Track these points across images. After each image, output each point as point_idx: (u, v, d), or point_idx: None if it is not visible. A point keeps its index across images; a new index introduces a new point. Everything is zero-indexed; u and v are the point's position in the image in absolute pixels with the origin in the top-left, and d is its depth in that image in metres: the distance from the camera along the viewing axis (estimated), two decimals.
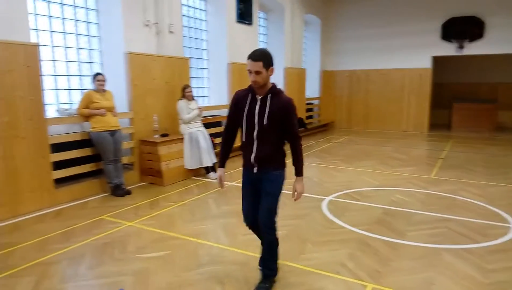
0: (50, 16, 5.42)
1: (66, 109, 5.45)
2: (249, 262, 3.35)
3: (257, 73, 2.53)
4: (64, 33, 5.64)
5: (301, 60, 11.94)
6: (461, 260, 3.39)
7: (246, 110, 2.65)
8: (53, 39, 5.48)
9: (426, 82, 11.95)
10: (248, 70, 2.55)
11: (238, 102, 2.72)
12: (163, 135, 6.32)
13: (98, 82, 5.25)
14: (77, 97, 5.81)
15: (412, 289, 2.92)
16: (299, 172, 2.75)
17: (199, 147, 6.26)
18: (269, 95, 2.63)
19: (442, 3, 11.38)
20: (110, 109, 5.35)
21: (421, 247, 3.66)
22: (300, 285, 2.99)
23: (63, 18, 5.60)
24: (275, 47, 10.71)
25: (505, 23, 10.69)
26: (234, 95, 2.78)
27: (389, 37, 12.21)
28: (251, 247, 3.64)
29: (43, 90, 4.80)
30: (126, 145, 5.86)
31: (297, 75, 11.38)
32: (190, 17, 7.85)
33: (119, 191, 5.38)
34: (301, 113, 11.66)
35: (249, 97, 2.67)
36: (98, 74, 5.30)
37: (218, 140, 5.76)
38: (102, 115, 5.21)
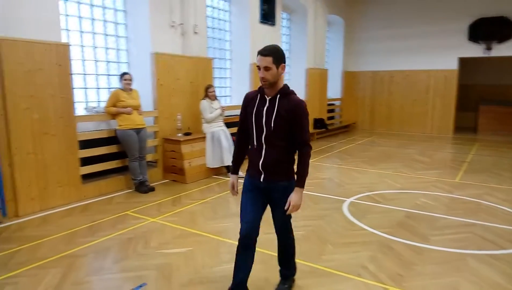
0: (80, 17, 5.60)
1: (94, 107, 5.62)
2: (270, 261, 3.37)
3: (266, 69, 2.35)
4: (93, 33, 5.81)
5: (324, 61, 11.88)
6: (486, 266, 3.32)
7: (254, 112, 2.49)
8: (82, 39, 5.66)
9: (452, 83, 11.68)
10: (257, 66, 2.40)
11: (248, 104, 2.57)
12: (186, 134, 6.43)
13: (125, 81, 5.39)
14: (104, 95, 5.99)
15: None
16: (300, 183, 2.48)
17: (220, 146, 6.33)
18: (278, 96, 2.44)
19: (470, 3, 11.09)
20: (136, 108, 5.48)
21: (445, 252, 3.60)
22: (320, 286, 3.00)
23: (93, 19, 5.78)
24: (298, 47, 10.71)
25: None
26: (244, 96, 2.64)
27: (414, 38, 11.99)
28: (271, 246, 3.66)
29: (72, 88, 4.97)
30: (150, 143, 6.00)
31: (319, 76, 11.32)
32: (214, 18, 7.94)
33: (143, 187, 5.51)
34: (323, 114, 11.61)
35: (258, 98, 2.51)
36: (125, 73, 5.45)
37: None
38: (129, 113, 5.35)
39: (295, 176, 2.52)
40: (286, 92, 2.45)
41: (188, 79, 6.64)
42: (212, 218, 4.53)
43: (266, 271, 3.20)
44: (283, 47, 10.38)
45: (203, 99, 6.46)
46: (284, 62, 2.43)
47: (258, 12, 8.37)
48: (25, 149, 4.49)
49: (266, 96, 2.48)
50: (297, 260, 3.37)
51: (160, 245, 3.75)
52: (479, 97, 13.09)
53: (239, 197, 2.75)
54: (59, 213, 4.68)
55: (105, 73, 6.09)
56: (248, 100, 2.58)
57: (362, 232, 4.09)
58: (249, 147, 2.65)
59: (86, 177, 5.30)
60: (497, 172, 6.91)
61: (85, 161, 5.23)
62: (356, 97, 13.38)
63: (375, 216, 4.57)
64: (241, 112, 2.67)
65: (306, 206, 4.95)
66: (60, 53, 4.76)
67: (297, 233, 3.99)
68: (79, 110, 5.53)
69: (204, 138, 6.46)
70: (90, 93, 5.90)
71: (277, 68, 2.37)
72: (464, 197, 5.37)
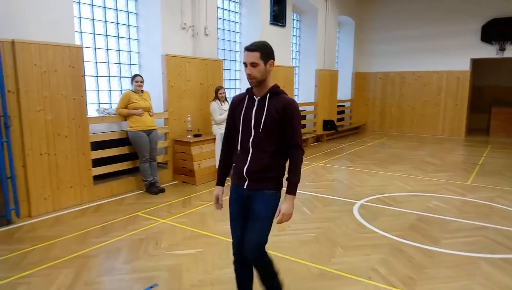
0: (93, 19, 5.67)
1: (106, 109, 5.68)
2: (279, 263, 3.36)
3: (253, 65, 2.16)
4: (106, 35, 5.89)
5: (334, 62, 11.84)
6: (499, 270, 3.27)
7: (242, 113, 2.28)
8: (95, 41, 5.74)
9: (464, 85, 11.54)
10: (244, 62, 2.21)
11: (235, 107, 2.34)
12: (196, 136, 6.46)
13: (137, 83, 5.44)
14: (116, 97, 6.05)
15: None
16: (291, 190, 2.24)
17: None
18: (268, 95, 2.25)
19: (483, 3, 10.95)
20: (147, 109, 5.53)
21: (457, 255, 3.56)
22: (329, 288, 2.99)
23: (105, 21, 5.85)
24: (308, 49, 10.70)
25: None
26: (231, 101, 2.42)
27: (426, 38, 11.88)
28: (281, 248, 3.68)
29: (85, 90, 5.03)
30: (160, 144, 6.04)
31: (330, 77, 11.29)
32: (225, 19, 7.97)
33: (153, 188, 5.55)
34: (333, 116, 11.57)
35: (246, 99, 2.31)
36: (136, 75, 5.50)
37: None
38: (140, 115, 5.40)
39: (281, 187, 2.32)
40: (276, 92, 2.26)
41: (198, 80, 6.68)
42: (222, 219, 4.54)
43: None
44: (293, 48, 10.38)
45: (213, 100, 6.48)
46: (273, 59, 2.24)
47: (268, 13, 8.39)
48: (38, 150, 4.56)
49: (255, 97, 2.28)
50: (307, 263, 3.39)
51: (171, 246, 3.77)
52: (491, 98, 12.91)
53: None
54: (71, 213, 4.74)
55: (117, 75, 6.16)
56: (236, 103, 2.36)
57: (372, 235, 4.07)
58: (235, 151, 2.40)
59: (98, 178, 5.36)
60: (510, 174, 6.81)
61: (97, 162, 5.29)
62: (367, 99, 13.30)
63: (385, 219, 4.53)
64: (227, 118, 2.44)
65: (316, 209, 4.94)
66: (73, 55, 4.83)
67: (306, 235, 4.02)
68: (91, 111, 5.60)
69: (213, 139, 6.48)
70: (102, 95, 5.97)
71: (265, 64, 2.19)
72: (476, 200, 5.30)
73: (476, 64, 11.78)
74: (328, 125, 11.08)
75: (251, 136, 2.24)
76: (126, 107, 5.40)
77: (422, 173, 6.92)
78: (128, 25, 6.17)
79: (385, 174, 6.84)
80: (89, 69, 5.63)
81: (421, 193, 5.67)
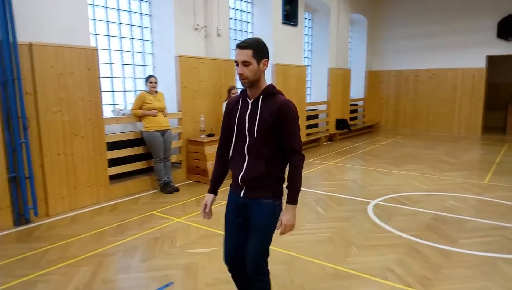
0: (107, 22, 5.75)
1: (121, 110, 5.75)
2: (294, 263, 3.37)
3: (245, 64, 2.00)
4: (120, 37, 5.96)
5: (347, 61, 11.76)
6: None
7: (236, 118, 2.13)
8: (110, 43, 5.81)
9: (480, 82, 11.34)
10: (235, 61, 2.05)
11: (230, 110, 2.20)
12: (209, 135, 6.50)
13: (151, 84, 5.50)
14: (131, 98, 6.12)
15: None
16: (291, 199, 2.08)
17: None
18: (261, 97, 2.08)
19: None
20: (161, 110, 5.58)
21: (474, 256, 3.50)
22: (345, 288, 2.97)
23: (119, 23, 5.93)
24: (320, 47, 10.65)
25: None
26: (226, 104, 2.26)
27: (440, 35, 11.71)
28: (296, 248, 3.67)
29: (100, 91, 5.11)
30: (174, 144, 6.09)
31: (342, 76, 11.22)
32: (237, 19, 7.99)
33: (167, 188, 5.60)
34: (346, 114, 11.49)
35: (240, 102, 2.16)
36: (150, 76, 5.56)
37: None
38: (154, 115, 5.46)
39: (281, 195, 2.17)
40: (270, 92, 2.08)
41: (211, 81, 6.72)
42: None
43: (290, 272, 3.20)
44: (306, 47, 10.34)
45: (226, 100, 6.51)
46: (267, 58, 2.08)
47: (280, 13, 8.37)
48: (56, 150, 4.65)
49: (248, 99, 2.12)
50: (321, 262, 3.38)
51: (186, 245, 3.80)
52: (508, 96, 12.66)
53: None
54: (88, 212, 4.82)
55: (132, 76, 6.23)
56: (230, 106, 2.22)
57: (388, 234, 4.03)
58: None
59: (113, 178, 5.43)
60: None
61: (112, 162, 5.36)
62: (380, 97, 13.17)
63: (401, 219, 4.49)
64: (223, 122, 2.29)
65: (330, 208, 4.92)
66: (88, 57, 4.90)
67: (321, 234, 4.01)
68: (107, 112, 5.68)
69: None
70: (117, 96, 6.05)
71: (258, 63, 2.02)
72: (494, 199, 5.21)
73: (492, 61, 11.56)
74: (341, 124, 11.02)
75: (246, 141, 2.09)
76: (140, 108, 5.46)
77: (437, 172, 6.82)
78: (142, 27, 6.24)
79: (400, 173, 6.77)
80: (104, 70, 5.71)
81: (437, 192, 5.59)
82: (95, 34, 5.56)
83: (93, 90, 4.98)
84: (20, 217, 4.36)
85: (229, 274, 2.37)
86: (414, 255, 3.53)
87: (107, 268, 3.38)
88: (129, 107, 5.75)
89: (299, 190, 2.10)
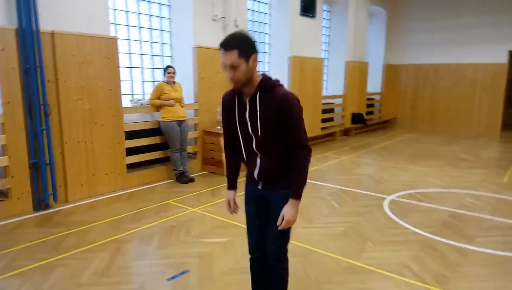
0: (127, 11, 5.79)
1: (139, 100, 5.81)
2: (309, 255, 3.38)
3: (233, 68, 1.83)
4: (139, 27, 6.00)
5: (364, 54, 11.59)
6: None
7: (237, 119, 2.04)
8: (129, 32, 5.86)
9: (501, 78, 11.05)
10: (222, 63, 1.87)
11: (227, 109, 2.12)
12: None
13: (169, 75, 5.53)
14: (149, 88, 6.18)
15: None
16: (295, 193, 1.99)
17: None
18: (258, 94, 1.94)
19: None
20: (179, 100, 5.62)
21: (492, 255, 3.45)
22: (360, 283, 2.97)
23: (139, 13, 5.96)
24: (338, 40, 10.52)
25: None
26: (222, 100, 2.17)
27: (461, 29, 11.42)
28: (311, 241, 3.68)
29: (120, 81, 5.16)
30: (190, 135, 6.13)
31: (360, 69, 11.08)
32: (254, 11, 7.95)
33: (183, 178, 5.66)
34: (362, 109, 11.37)
35: (236, 100, 2.04)
36: (169, 66, 5.59)
37: None
38: (171, 106, 5.50)
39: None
40: (267, 87, 1.94)
41: None
42: None
43: (305, 264, 3.21)
44: (323, 39, 10.23)
45: None
46: (256, 52, 1.88)
47: (298, 4, 8.29)
48: (76, 138, 4.74)
49: (244, 97, 2.01)
50: (336, 256, 3.38)
51: (201, 234, 3.85)
52: None
53: None
54: (106, 199, 4.91)
55: (150, 66, 6.27)
56: (226, 105, 2.12)
57: (404, 230, 4.00)
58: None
59: (130, 167, 5.51)
60: None
61: (130, 151, 5.43)
62: (398, 92, 12.97)
63: (417, 215, 4.45)
64: (222, 119, 2.21)
65: (345, 202, 4.90)
66: (108, 47, 4.95)
67: (336, 229, 4.00)
68: (125, 102, 5.74)
69: None
70: (135, 86, 6.10)
71: (247, 61, 1.84)
72: None
73: None
74: (356, 118, 10.91)
75: (253, 141, 2.03)
76: (158, 98, 5.50)
77: (455, 169, 6.72)
78: (161, 17, 6.26)
79: (416, 169, 6.69)
80: (123, 60, 5.76)
81: (455, 189, 5.51)
82: (115, 24, 5.60)
83: (113, 79, 5.04)
84: (40, 202, 4.47)
85: (244, 265, 2.40)
86: (430, 252, 3.49)
87: (124, 254, 3.45)
88: (147, 97, 5.80)
89: (304, 185, 2.01)
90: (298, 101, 1.96)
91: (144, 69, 6.19)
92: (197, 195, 5.12)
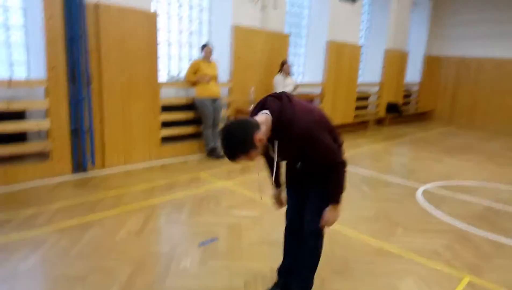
0: None
1: (175, 76, 5.90)
2: (337, 235, 3.37)
3: (250, 159, 1.86)
4: (179, 4, 6.05)
5: (405, 43, 11.21)
6: None
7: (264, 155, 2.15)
8: (169, 8, 5.92)
9: None
10: None
11: None
12: None
13: (206, 53, 5.57)
14: (185, 65, 6.25)
15: None
16: (334, 199, 2.09)
17: None
18: (274, 136, 1.91)
19: None
20: (214, 78, 5.66)
21: None
22: (388, 265, 2.94)
23: None
24: (378, 27, 10.21)
25: None
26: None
27: (508, 23, 10.79)
28: (340, 221, 3.64)
29: (157, 56, 5.25)
30: (223, 113, 6.18)
31: (399, 58, 10.73)
32: None
33: (214, 154, 5.74)
34: (398, 99, 11.05)
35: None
36: (206, 45, 5.63)
37: None
38: (207, 82, 5.55)
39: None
40: (279, 128, 1.88)
41: (264, 53, 6.69)
42: None
43: (333, 245, 3.20)
44: (362, 26, 9.96)
45: (277, 73, 6.47)
46: (252, 135, 1.77)
47: None
48: (115, 107, 4.88)
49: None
50: (366, 237, 3.35)
51: (231, 207, 3.91)
52: None
53: None
54: (140, 168, 5.07)
55: (187, 43, 6.34)
56: None
57: (437, 220, 3.90)
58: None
59: (164, 139, 5.64)
60: None
61: (164, 124, 5.55)
62: (437, 84, 12.48)
63: (452, 206, 4.31)
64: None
65: (375, 188, 4.83)
66: (149, 22, 5.04)
67: (366, 212, 3.95)
68: (162, 77, 5.85)
69: None
70: (172, 62, 6.19)
71: (255, 148, 1.80)
72: None
73: None
74: (392, 108, 10.61)
75: (290, 162, 2.25)
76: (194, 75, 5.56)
77: (493, 164, 6.44)
78: None
79: (452, 162, 6.46)
80: (161, 36, 5.84)
81: (492, 183, 5.30)
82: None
83: (151, 54, 5.13)
84: (79, 165, 4.67)
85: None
86: (463, 242, 3.40)
87: (156, 218, 3.57)
88: (183, 74, 5.87)
89: (342, 192, 2.09)
90: (314, 123, 1.91)
91: (181, 46, 6.26)
92: (227, 171, 5.18)
